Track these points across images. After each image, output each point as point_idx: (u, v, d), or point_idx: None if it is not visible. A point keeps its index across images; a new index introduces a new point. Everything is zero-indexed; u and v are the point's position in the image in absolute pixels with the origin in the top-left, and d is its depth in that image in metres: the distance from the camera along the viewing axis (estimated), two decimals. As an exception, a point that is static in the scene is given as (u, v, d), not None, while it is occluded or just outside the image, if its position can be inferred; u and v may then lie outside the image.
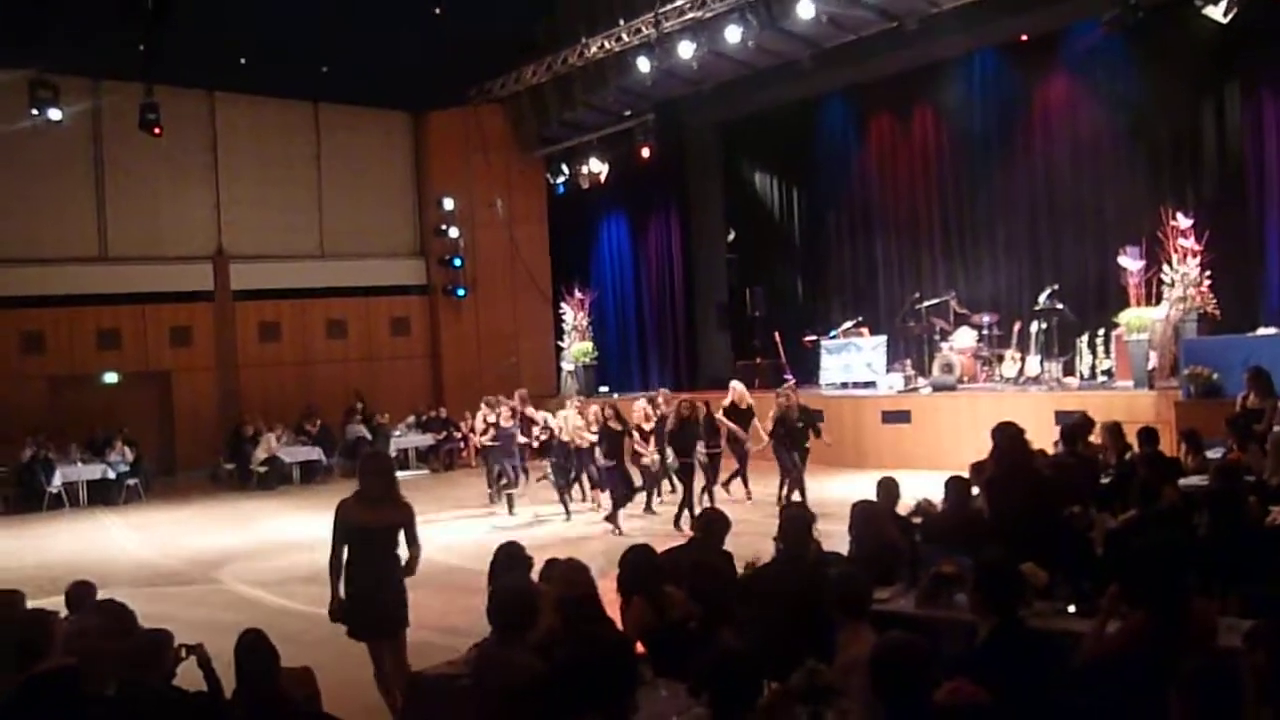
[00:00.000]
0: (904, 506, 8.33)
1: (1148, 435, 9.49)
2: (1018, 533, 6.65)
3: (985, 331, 18.28)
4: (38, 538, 16.15)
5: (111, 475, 19.50)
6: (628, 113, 22.16)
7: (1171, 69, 17.04)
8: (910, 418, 17.46)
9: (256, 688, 4.80)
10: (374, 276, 24.77)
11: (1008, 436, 7.39)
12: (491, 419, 16.25)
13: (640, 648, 5.38)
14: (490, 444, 16.27)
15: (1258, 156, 16.28)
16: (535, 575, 6.00)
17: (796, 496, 13.85)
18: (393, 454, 21.65)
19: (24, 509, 18.72)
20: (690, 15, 18.07)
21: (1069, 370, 17.02)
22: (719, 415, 14.75)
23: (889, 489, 8.01)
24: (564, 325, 23.89)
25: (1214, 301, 14.99)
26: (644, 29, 18.85)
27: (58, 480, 18.90)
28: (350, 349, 24.49)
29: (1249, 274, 16.11)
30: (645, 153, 22.04)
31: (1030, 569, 5.87)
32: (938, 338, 18.74)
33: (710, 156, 23.57)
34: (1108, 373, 16.66)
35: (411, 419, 22.70)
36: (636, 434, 14.46)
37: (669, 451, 14.36)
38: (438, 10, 19.98)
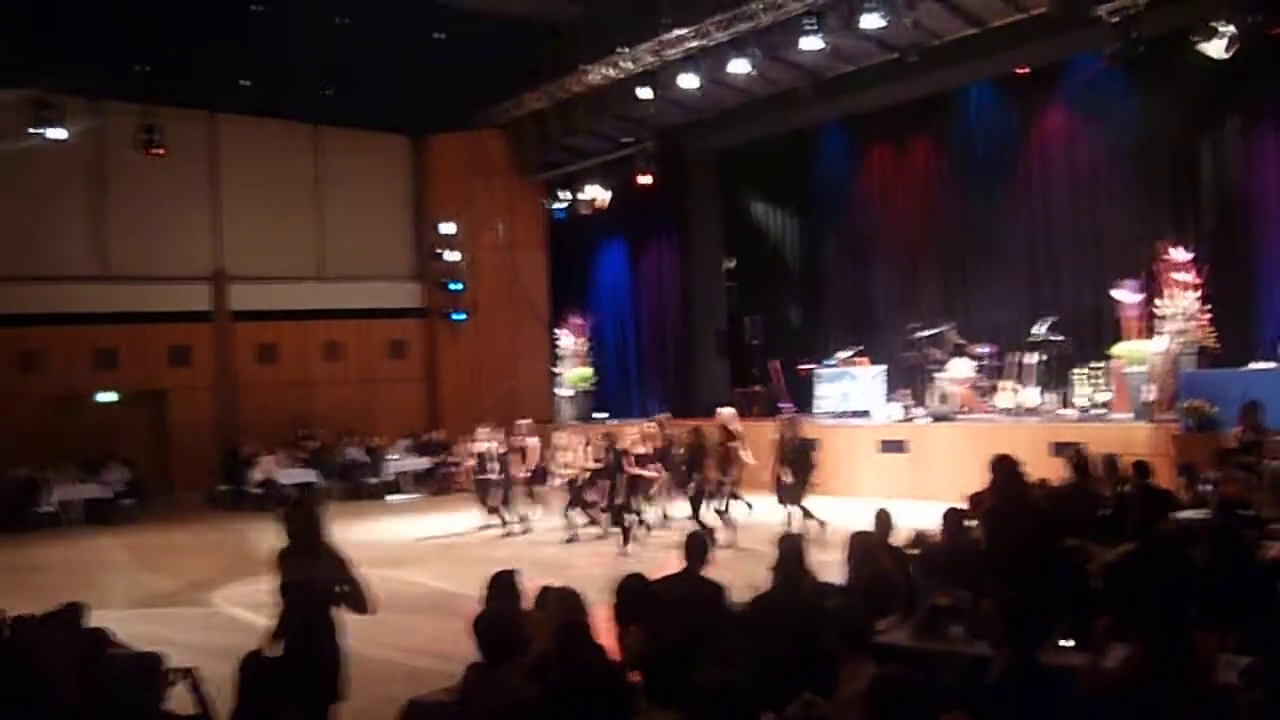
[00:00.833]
0: (901, 537, 8.31)
1: (1141, 469, 9.49)
2: (1015, 565, 6.64)
3: (983, 362, 18.27)
4: (31, 556, 16.08)
5: (108, 495, 19.45)
6: (628, 139, 22.23)
7: (1170, 103, 17.12)
8: (907, 448, 17.44)
9: (257, 711, 4.77)
10: (372, 299, 24.79)
11: (1005, 470, 7.40)
12: (480, 449, 16.36)
13: (635, 676, 5.35)
14: (481, 477, 16.38)
15: (1256, 191, 16.32)
16: (530, 603, 5.98)
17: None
18: (388, 477, 21.75)
19: (18, 528, 18.65)
20: (692, 44, 18.15)
21: (1066, 402, 17.02)
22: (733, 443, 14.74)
23: (884, 520, 8.00)
24: (561, 350, 23.87)
25: (1213, 335, 15.01)
26: (646, 57, 18.93)
27: (55, 499, 18.85)
28: (348, 371, 24.49)
29: (1247, 308, 16.11)
30: (645, 179, 22.10)
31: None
32: (935, 368, 18.73)
33: (710, 184, 23.64)
34: (1105, 404, 16.65)
35: (405, 442, 22.67)
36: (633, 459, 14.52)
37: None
38: (440, 35, 20.09)
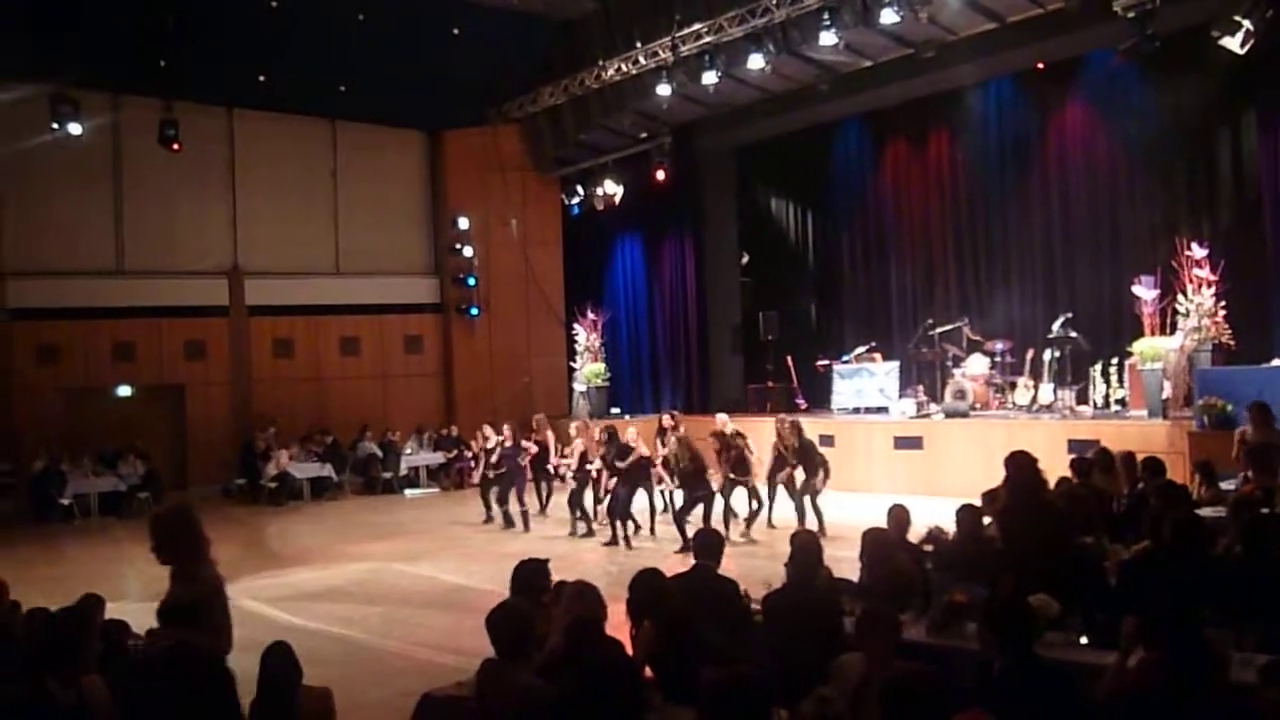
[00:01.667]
0: (915, 534, 8.30)
1: (1154, 466, 9.44)
2: (1030, 563, 6.62)
3: (998, 359, 18.22)
4: (47, 549, 16.18)
5: (123, 488, 19.55)
6: (644, 135, 22.21)
7: (1188, 98, 17.06)
8: (922, 444, 17.41)
9: (278, 702, 4.80)
10: (388, 294, 24.83)
11: (1021, 466, 7.35)
12: (490, 444, 16.45)
13: (649, 672, 5.36)
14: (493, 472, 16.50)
15: (1274, 186, 16.22)
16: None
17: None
18: (403, 472, 21.82)
19: (36, 520, 18.78)
20: (708, 40, 18.14)
21: (1082, 399, 16.97)
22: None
23: (900, 517, 7.98)
24: (577, 346, 23.89)
25: (1229, 332, 14.94)
26: (661, 53, 18.92)
27: (70, 492, 18.96)
28: (363, 366, 24.54)
29: (1264, 305, 16.03)
30: (661, 175, 22.09)
31: (1043, 600, 5.84)
32: (951, 364, 18.69)
33: (726, 180, 23.61)
34: (1121, 402, 16.60)
35: (420, 437, 22.72)
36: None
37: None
38: (456, 31, 20.10)
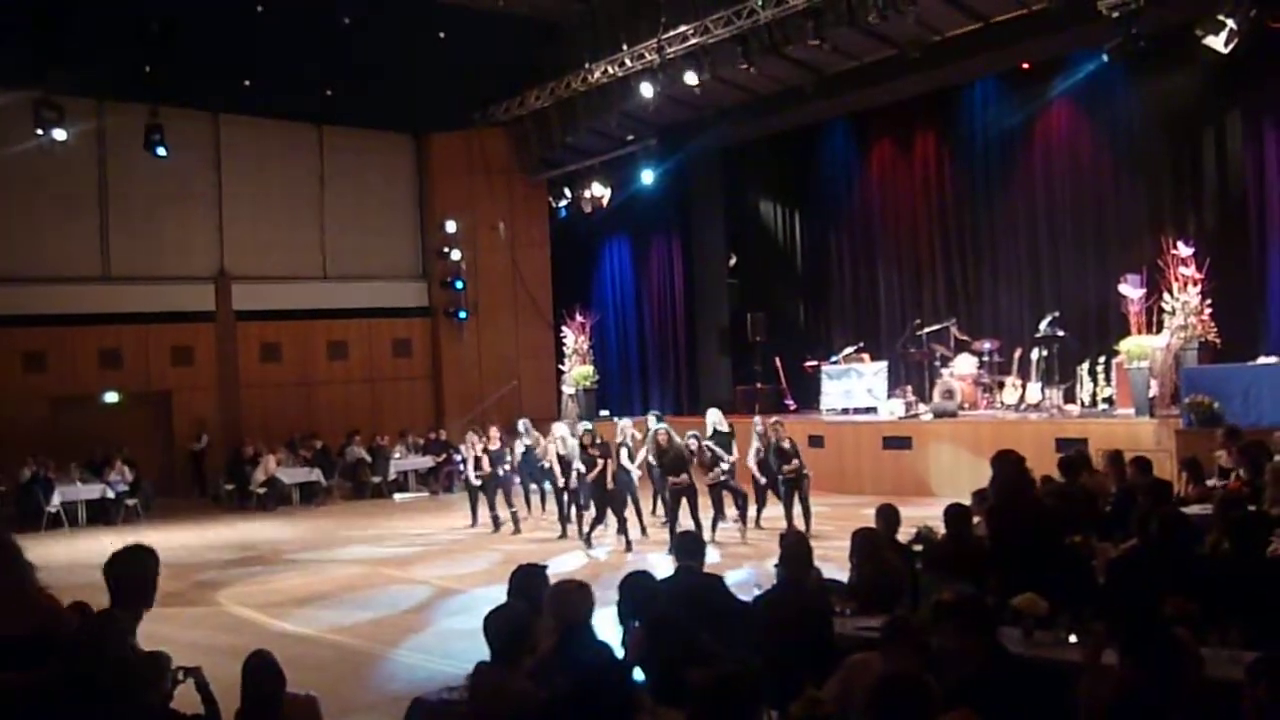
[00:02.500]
0: (905, 534, 8.31)
1: (1142, 465, 9.47)
2: (1019, 562, 6.64)
3: (986, 358, 18.28)
4: (35, 557, 16.05)
5: (110, 495, 19.47)
6: (630, 137, 22.23)
7: (1173, 98, 17.14)
8: (911, 444, 17.45)
9: (261, 710, 4.78)
10: (376, 298, 24.80)
11: (1008, 465, 7.37)
12: (478, 450, 16.46)
13: (639, 674, 5.35)
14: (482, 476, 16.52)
15: (1259, 186, 16.32)
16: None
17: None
18: (392, 476, 21.79)
19: (22, 528, 18.68)
20: (693, 41, 18.15)
21: (1070, 397, 17.02)
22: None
23: (889, 516, 8.00)
24: (565, 348, 23.89)
25: (1215, 330, 15.01)
26: (647, 54, 18.93)
27: (56, 500, 18.87)
28: (351, 370, 24.50)
29: (1250, 303, 16.12)
30: (648, 177, 22.11)
31: (1031, 599, 5.86)
32: (938, 364, 18.74)
33: (712, 181, 23.62)
34: (1109, 400, 16.65)
35: (409, 441, 22.67)
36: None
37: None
38: (441, 34, 20.09)
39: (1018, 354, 17.76)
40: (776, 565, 6.55)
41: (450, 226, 24.67)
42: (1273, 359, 14.41)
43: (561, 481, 15.27)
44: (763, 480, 14.51)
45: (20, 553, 5.00)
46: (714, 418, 15.08)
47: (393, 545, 15.80)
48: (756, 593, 6.61)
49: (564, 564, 12.83)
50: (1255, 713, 3.86)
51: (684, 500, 13.76)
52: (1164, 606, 5.35)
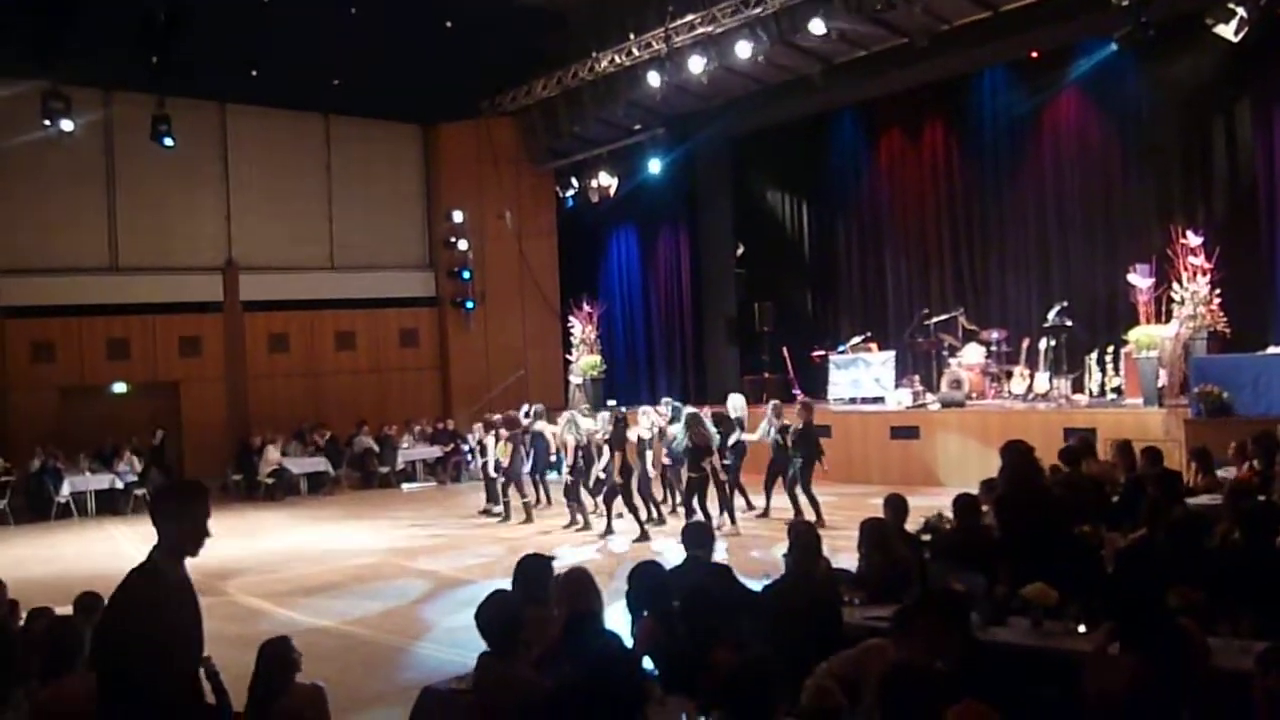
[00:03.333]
0: (913, 524, 8.31)
1: (1153, 456, 9.46)
2: (1028, 552, 6.63)
3: (994, 348, 18.23)
4: (46, 547, 16.18)
5: (120, 485, 19.53)
6: (638, 127, 22.20)
7: (1183, 87, 17.04)
8: (919, 434, 17.42)
9: (268, 699, 4.79)
10: (383, 288, 24.81)
11: (1017, 455, 7.37)
12: (480, 440, 16.59)
13: (649, 664, 5.36)
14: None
15: (1268, 174, 16.24)
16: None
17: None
18: (400, 466, 21.84)
19: (32, 518, 18.76)
20: (701, 30, 18.11)
21: (1078, 387, 16.98)
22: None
23: (897, 506, 7.99)
24: (572, 338, 23.89)
25: (1224, 320, 14.96)
26: (654, 43, 18.89)
27: (66, 490, 18.94)
28: (359, 360, 24.53)
29: (1259, 292, 16.06)
30: (655, 167, 22.08)
31: (1040, 589, 5.86)
32: (946, 354, 18.70)
33: (720, 171, 23.58)
34: (1117, 390, 16.59)
35: (416, 431, 22.70)
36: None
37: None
38: (448, 24, 20.05)
39: (1026, 344, 17.70)
40: (785, 555, 6.55)
41: (457, 216, 24.66)
42: (1282, 349, 14.38)
43: (568, 465, 15.28)
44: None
45: None
46: (733, 402, 15.18)
47: (401, 534, 15.81)
48: (765, 582, 6.61)
49: (573, 554, 12.85)
50: (1266, 702, 3.86)
51: (703, 488, 13.77)
52: (1169, 596, 5.36)
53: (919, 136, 21.24)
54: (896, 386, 18.87)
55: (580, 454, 14.98)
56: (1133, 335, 15.53)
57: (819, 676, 4.43)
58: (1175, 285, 15.10)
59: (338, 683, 6.08)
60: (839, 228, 22.87)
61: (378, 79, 21.23)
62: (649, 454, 14.84)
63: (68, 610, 6.75)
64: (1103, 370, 16.73)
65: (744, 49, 17.68)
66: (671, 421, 14.89)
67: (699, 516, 12.84)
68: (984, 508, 7.98)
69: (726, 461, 14.33)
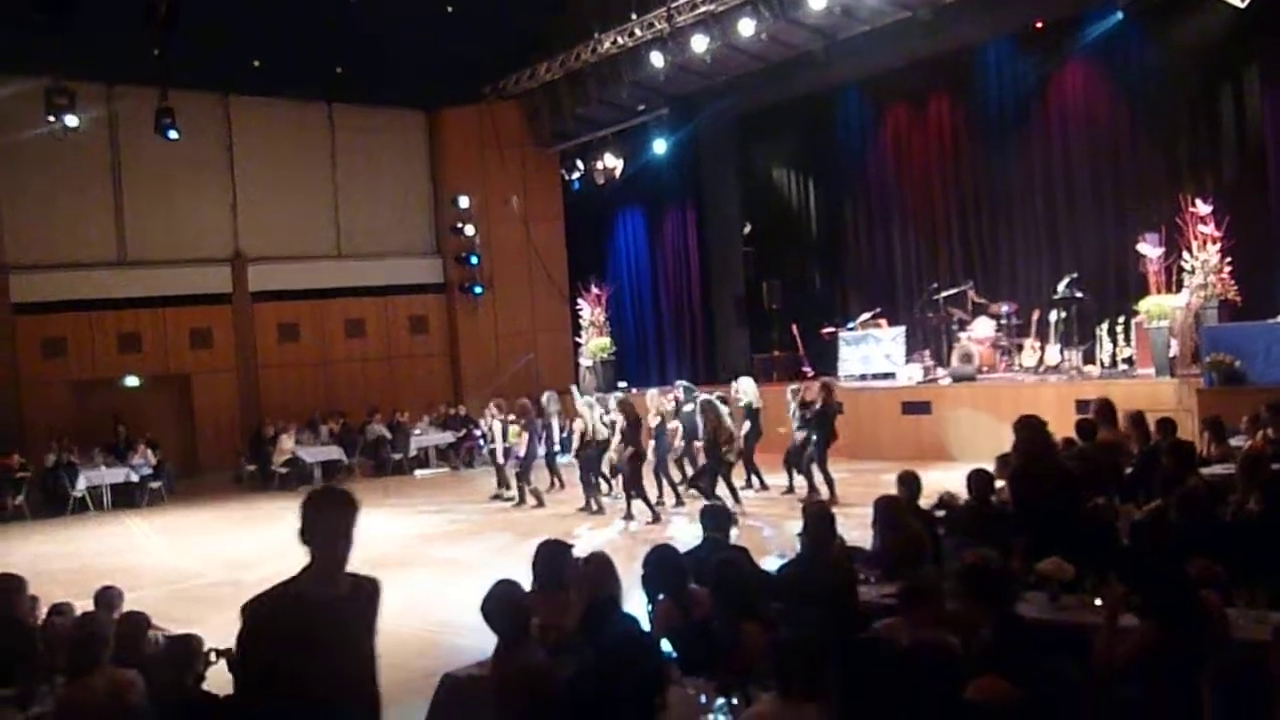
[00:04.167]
0: (927, 499, 8.32)
1: (1167, 427, 9.44)
2: (1043, 526, 6.63)
3: (1004, 321, 18.17)
4: (63, 542, 16.25)
5: (134, 478, 19.61)
6: (642, 107, 22.14)
7: (1190, 54, 16.92)
8: (930, 408, 17.40)
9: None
10: (391, 275, 24.83)
11: (1030, 429, 7.35)
12: (491, 425, 16.63)
13: (667, 646, 5.38)
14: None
15: (1277, 141, 16.14)
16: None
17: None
18: (413, 452, 21.89)
19: (48, 513, 18.84)
20: (703, 8, 18.04)
21: (1089, 359, 16.91)
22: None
23: (910, 483, 8.00)
24: (581, 321, 23.90)
25: (1235, 288, 14.89)
26: (656, 23, 18.82)
27: (82, 484, 19.02)
28: (369, 348, 24.57)
29: (1270, 259, 15.97)
30: (660, 147, 22.02)
31: (1056, 563, 5.86)
32: (956, 328, 18.66)
33: (726, 150, 23.51)
34: (1128, 361, 16.53)
35: (428, 417, 22.74)
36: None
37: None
38: (450, 8, 20.00)
39: (1036, 316, 17.65)
40: (800, 534, 6.56)
41: (464, 202, 24.65)
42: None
43: (575, 448, 15.32)
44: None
45: None
46: (743, 386, 15.27)
47: (416, 520, 15.83)
48: (780, 561, 6.63)
49: (591, 539, 12.89)
50: (1283, 673, 3.86)
51: (717, 475, 13.77)
52: (1189, 568, 5.35)
53: (924, 110, 21.13)
54: (907, 362, 18.84)
55: (593, 438, 15.00)
56: (1143, 305, 15.46)
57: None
58: (1185, 254, 15.02)
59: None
60: (846, 204, 22.80)
61: (380, 66, 21.19)
62: (664, 438, 14.87)
63: (88, 605, 6.80)
64: (1114, 341, 16.67)
65: (747, 26, 17.63)
66: (685, 404, 14.93)
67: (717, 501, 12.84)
68: (999, 483, 7.98)
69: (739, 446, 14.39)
